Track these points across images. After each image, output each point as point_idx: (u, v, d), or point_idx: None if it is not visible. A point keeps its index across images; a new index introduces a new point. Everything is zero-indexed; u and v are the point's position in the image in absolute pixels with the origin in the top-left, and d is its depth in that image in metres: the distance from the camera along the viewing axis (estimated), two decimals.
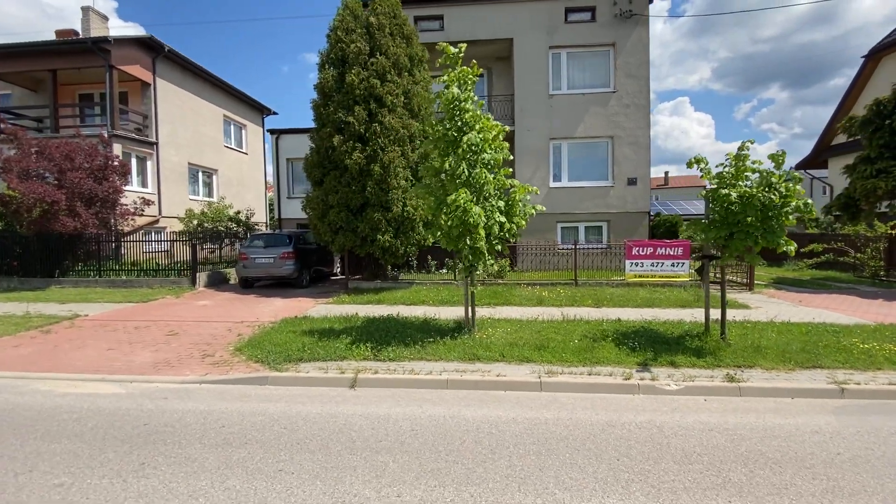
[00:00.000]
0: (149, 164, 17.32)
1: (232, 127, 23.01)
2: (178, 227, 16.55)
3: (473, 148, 5.93)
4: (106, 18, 19.56)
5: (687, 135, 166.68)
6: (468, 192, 5.74)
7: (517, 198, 6.53)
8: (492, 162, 6.24)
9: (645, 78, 14.92)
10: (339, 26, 11.84)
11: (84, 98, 18.72)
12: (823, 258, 14.48)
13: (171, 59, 17.96)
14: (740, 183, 5.89)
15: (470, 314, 6.98)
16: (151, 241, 14.90)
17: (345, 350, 6.15)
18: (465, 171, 5.85)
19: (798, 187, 5.42)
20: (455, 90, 5.95)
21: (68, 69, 16.16)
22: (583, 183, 15.25)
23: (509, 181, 6.55)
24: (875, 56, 18.51)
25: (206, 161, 20.44)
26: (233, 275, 14.73)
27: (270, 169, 20.59)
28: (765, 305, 9.39)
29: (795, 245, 5.59)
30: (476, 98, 6.21)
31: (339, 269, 16.29)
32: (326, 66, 11.82)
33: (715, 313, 6.68)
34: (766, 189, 5.60)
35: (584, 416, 4.39)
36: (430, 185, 6.67)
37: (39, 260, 13.34)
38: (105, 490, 3.17)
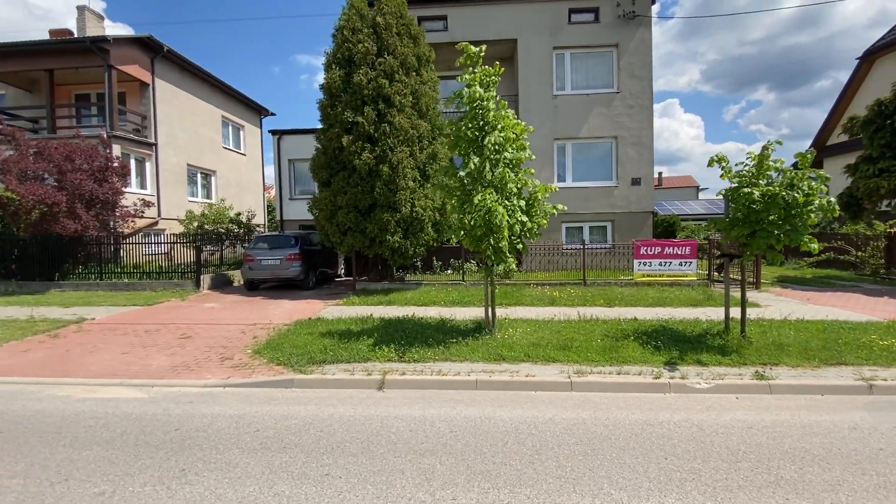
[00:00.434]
0: (147, 165, 17.07)
1: (230, 128, 22.78)
2: (178, 229, 16.33)
3: (496, 147, 5.91)
4: (102, 18, 19.24)
5: (677, 136, 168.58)
6: (494, 193, 5.70)
7: (538, 197, 6.51)
8: (514, 161, 6.22)
9: (648, 79, 15.02)
10: (345, 26, 11.76)
11: (80, 98, 18.41)
12: (823, 256, 14.69)
13: (170, 58, 17.73)
14: (761, 182, 5.93)
15: (490, 314, 6.94)
16: (153, 242, 14.67)
17: (367, 351, 6.08)
18: (490, 170, 5.81)
19: (823, 186, 5.46)
20: (478, 89, 5.92)
21: (66, 69, 15.87)
22: (587, 183, 15.31)
23: (530, 181, 6.53)
24: (869, 58, 18.85)
25: (204, 162, 20.21)
26: (236, 277, 14.57)
27: (268, 170, 20.39)
28: (774, 304, 9.47)
29: (818, 243, 5.64)
30: (498, 98, 6.19)
31: (342, 271, 16.19)
32: (333, 67, 11.74)
33: (731, 311, 6.70)
34: (789, 188, 5.64)
35: (621, 416, 4.37)
36: (448, 185, 6.63)
37: (38, 263, 13.07)
38: (150, 498, 3.08)
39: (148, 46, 16.66)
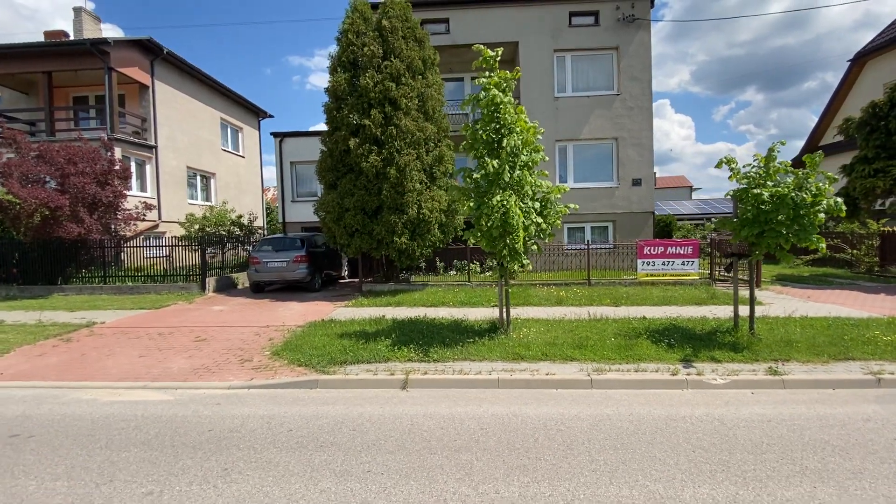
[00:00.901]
0: (148, 167, 16.99)
1: (229, 130, 22.71)
2: (178, 232, 16.27)
3: (514, 150, 6.02)
4: (99, 20, 19.13)
5: (668, 136, 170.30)
6: (511, 195, 5.82)
7: (552, 198, 6.64)
8: (529, 163, 6.34)
9: (647, 80, 15.25)
10: (349, 29, 11.83)
11: (78, 101, 18.28)
12: (819, 255, 14.99)
13: (170, 61, 17.67)
14: (769, 183, 6.10)
15: (505, 314, 7.05)
16: (156, 246, 14.60)
17: (387, 351, 6.16)
18: (508, 172, 5.93)
19: (831, 187, 5.64)
20: (496, 93, 6.03)
21: (65, 71, 15.77)
22: (588, 184, 15.49)
23: (544, 182, 6.65)
24: (860, 60, 19.26)
25: (204, 165, 20.14)
26: (241, 279, 14.55)
27: (267, 173, 20.34)
28: (776, 301, 9.68)
29: (825, 242, 5.82)
30: (515, 101, 6.30)
31: (346, 272, 16.22)
32: (338, 70, 11.79)
33: (738, 309, 6.87)
34: (798, 188, 5.81)
35: (644, 412, 4.50)
36: (463, 187, 6.74)
37: (40, 267, 12.98)
38: (198, 497, 3.14)
39: (148, 49, 16.59)
